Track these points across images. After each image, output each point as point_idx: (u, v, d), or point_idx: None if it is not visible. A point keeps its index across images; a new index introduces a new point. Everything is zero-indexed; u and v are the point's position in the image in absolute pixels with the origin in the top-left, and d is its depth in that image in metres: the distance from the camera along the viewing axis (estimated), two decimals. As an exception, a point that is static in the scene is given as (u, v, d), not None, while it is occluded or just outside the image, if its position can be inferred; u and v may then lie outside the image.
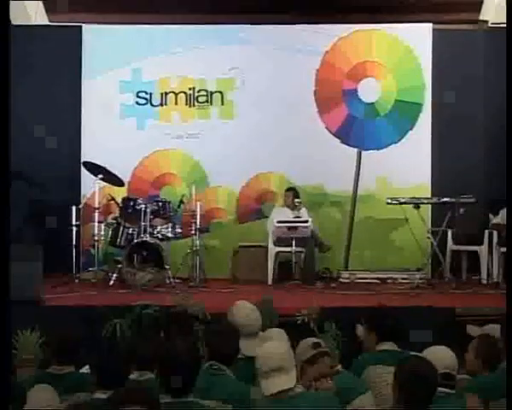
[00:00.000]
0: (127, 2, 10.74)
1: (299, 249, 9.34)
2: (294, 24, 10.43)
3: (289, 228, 9.38)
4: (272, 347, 3.98)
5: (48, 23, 10.88)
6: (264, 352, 3.89)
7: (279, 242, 9.52)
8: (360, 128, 10.38)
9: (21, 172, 10.06)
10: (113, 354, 4.02)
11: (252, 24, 10.49)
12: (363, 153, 10.33)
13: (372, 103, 10.40)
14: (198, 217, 9.41)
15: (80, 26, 10.48)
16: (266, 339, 4.66)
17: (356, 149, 10.36)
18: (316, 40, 10.37)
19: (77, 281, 9.22)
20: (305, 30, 10.40)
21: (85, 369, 4.55)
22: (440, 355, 4.19)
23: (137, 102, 10.54)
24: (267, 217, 10.10)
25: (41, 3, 10.71)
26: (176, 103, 10.56)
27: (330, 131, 10.39)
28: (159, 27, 10.60)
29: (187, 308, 6.85)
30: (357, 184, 10.33)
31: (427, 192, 10.04)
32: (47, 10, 10.78)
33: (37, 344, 6.62)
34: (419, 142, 10.27)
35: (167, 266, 8.99)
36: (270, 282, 9.41)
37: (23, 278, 7.32)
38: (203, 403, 3.78)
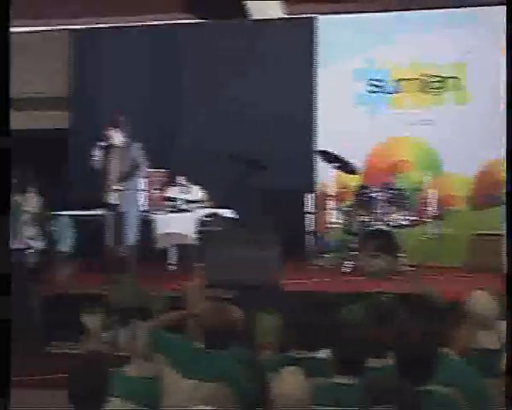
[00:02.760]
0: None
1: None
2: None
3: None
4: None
5: (283, 16, 11.18)
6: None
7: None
8: None
9: (258, 161, 10.42)
10: (350, 340, 4.05)
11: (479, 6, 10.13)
12: None
13: None
14: (432, 204, 9.25)
15: (314, 17, 10.65)
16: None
17: None
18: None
19: (312, 267, 9.41)
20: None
21: (323, 353, 4.61)
22: None
23: (370, 91, 10.55)
24: (503, 204, 9.70)
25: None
26: (409, 90, 10.45)
27: None
28: (390, 14, 10.51)
29: (423, 296, 6.75)
30: None
31: None
32: (283, 3, 11.05)
33: (276, 328, 6.82)
34: None
35: (401, 254, 8.93)
36: (507, 271, 9.03)
37: (262, 263, 7.63)
38: (444, 392, 3.72)
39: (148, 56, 11.11)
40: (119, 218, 8.67)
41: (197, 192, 10.06)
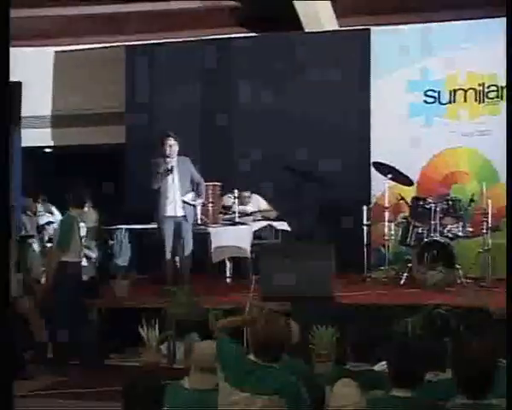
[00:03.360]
0: (408, 2, 10.74)
1: None
2: None
3: None
4: None
5: (337, 28, 11.19)
6: None
7: None
8: None
9: (312, 173, 10.42)
10: (407, 352, 4.02)
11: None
12: None
13: None
14: (489, 215, 9.12)
15: (368, 29, 10.63)
16: None
17: None
18: None
19: (368, 280, 9.37)
20: None
21: (380, 366, 4.59)
22: None
23: (425, 101, 10.46)
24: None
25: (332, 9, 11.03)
26: (465, 100, 10.34)
27: None
28: (444, 24, 10.43)
29: (480, 308, 6.68)
30: None
31: None
32: (337, 15, 11.07)
33: (332, 340, 6.81)
34: None
35: (458, 266, 8.82)
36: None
37: (317, 276, 7.61)
38: (504, 405, 3.66)
39: (202, 71, 11.19)
40: (176, 231, 8.75)
41: (257, 202, 10.08)
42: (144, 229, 9.41)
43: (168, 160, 8.68)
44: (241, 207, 9.82)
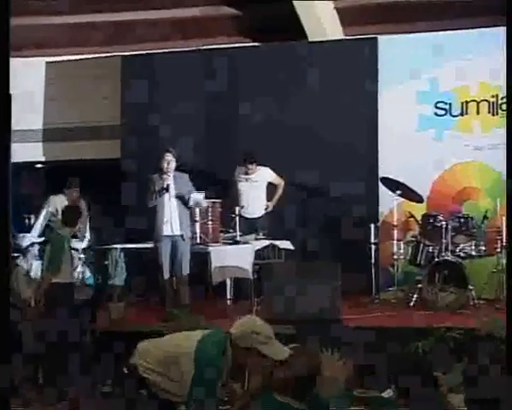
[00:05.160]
0: (416, 10, 10.78)
1: None
2: None
3: None
4: None
5: (343, 37, 11.25)
6: None
7: None
8: None
9: (316, 189, 10.44)
10: (418, 377, 4.03)
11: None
12: None
13: None
14: (504, 233, 9.13)
15: (376, 38, 10.68)
16: None
17: None
18: None
19: (376, 301, 9.38)
20: None
21: (388, 393, 4.60)
22: None
23: (436, 113, 10.49)
24: None
25: (337, 17, 11.08)
26: (477, 112, 10.37)
27: None
28: (454, 33, 10.46)
29: (494, 331, 6.67)
30: None
31: None
32: (342, 24, 11.12)
33: (338, 364, 6.79)
34: None
35: (471, 287, 8.82)
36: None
37: (322, 297, 7.62)
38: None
39: (203, 81, 11.21)
40: (173, 250, 8.78)
41: (264, 174, 10.11)
42: (141, 248, 9.43)
43: (165, 176, 8.74)
44: (245, 176, 10.02)
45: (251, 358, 4.33)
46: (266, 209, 10.05)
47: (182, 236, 8.77)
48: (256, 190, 10.10)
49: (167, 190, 8.68)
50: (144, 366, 4.53)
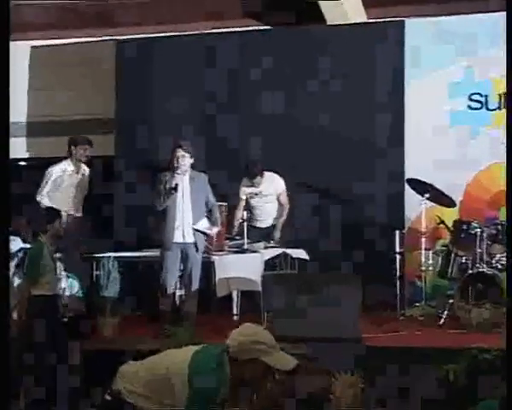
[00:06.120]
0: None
1: None
2: None
3: None
4: None
5: (365, 20, 11.26)
6: None
7: None
8: None
9: (334, 191, 10.45)
10: (445, 403, 4.04)
11: None
12: None
13: None
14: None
15: (402, 21, 10.67)
16: None
17: None
18: None
19: (401, 318, 9.38)
20: None
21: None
22: None
23: (470, 106, 10.48)
24: None
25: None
26: (517, 106, 10.36)
27: None
28: (492, 15, 10.39)
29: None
30: None
31: None
32: (365, 5, 11.12)
33: (356, 387, 6.81)
34: None
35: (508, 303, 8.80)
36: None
37: (340, 313, 7.62)
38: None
39: (205, 69, 11.21)
40: (183, 260, 8.75)
41: (272, 182, 10.09)
42: (137, 257, 9.45)
43: (175, 175, 8.68)
44: (252, 190, 9.97)
45: (253, 371, 4.32)
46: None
47: (195, 244, 8.73)
48: (265, 204, 10.10)
49: (176, 189, 8.62)
50: (129, 390, 4.53)
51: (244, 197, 10.05)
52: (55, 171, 9.81)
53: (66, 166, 9.86)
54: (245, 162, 10.18)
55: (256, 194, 10.01)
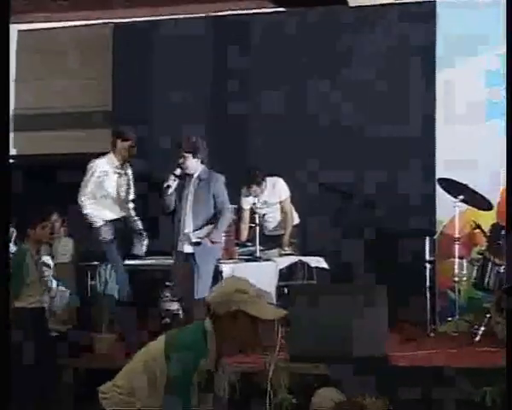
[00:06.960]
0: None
1: None
2: None
3: None
4: None
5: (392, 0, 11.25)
6: None
7: None
8: None
9: (357, 193, 10.42)
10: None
11: None
12: None
13: None
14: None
15: (434, 1, 10.64)
16: None
17: None
18: None
19: (432, 334, 9.34)
20: None
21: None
22: None
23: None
24: None
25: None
26: (562, 96, 10.34)
27: None
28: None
29: None
30: None
31: None
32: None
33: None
34: None
35: (553, 317, 8.78)
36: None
37: (364, 329, 7.57)
38: None
39: (213, 56, 11.21)
40: (188, 269, 8.73)
41: (274, 188, 10.04)
42: (137, 265, 9.43)
43: (171, 175, 8.65)
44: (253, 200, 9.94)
45: (238, 325, 4.32)
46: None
47: (193, 254, 8.70)
48: (272, 213, 10.10)
49: (168, 188, 8.60)
50: (114, 402, 4.56)
51: (247, 207, 10.01)
52: (98, 166, 9.14)
53: (111, 162, 9.19)
54: (246, 169, 10.09)
55: (259, 203, 9.95)
